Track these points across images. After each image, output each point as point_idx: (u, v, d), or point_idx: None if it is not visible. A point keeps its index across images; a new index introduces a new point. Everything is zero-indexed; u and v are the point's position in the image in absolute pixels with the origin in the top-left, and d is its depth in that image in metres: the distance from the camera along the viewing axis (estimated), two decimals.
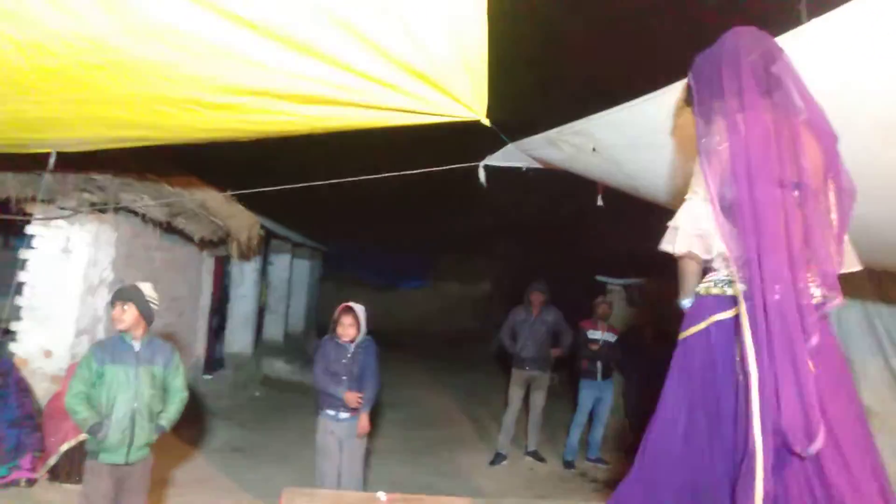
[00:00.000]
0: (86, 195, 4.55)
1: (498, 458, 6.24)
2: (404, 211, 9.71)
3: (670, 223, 2.02)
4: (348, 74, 2.35)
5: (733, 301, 1.89)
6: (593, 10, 2.79)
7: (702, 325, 1.96)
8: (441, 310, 17.35)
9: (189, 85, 2.48)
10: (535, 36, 2.75)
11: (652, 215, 3.61)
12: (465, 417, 8.26)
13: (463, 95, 2.49)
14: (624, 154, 2.94)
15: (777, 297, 1.75)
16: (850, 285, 4.14)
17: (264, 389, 8.98)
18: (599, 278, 8.51)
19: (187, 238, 6.09)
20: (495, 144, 3.45)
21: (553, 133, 3.02)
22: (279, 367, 9.95)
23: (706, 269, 2.05)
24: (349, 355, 4.13)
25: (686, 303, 2.06)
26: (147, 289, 3.33)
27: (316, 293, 14.00)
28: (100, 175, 4.53)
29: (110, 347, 3.27)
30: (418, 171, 3.72)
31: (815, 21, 1.82)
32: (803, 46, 1.91)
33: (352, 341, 4.14)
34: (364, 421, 4.11)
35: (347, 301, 4.25)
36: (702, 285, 2.04)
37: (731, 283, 1.90)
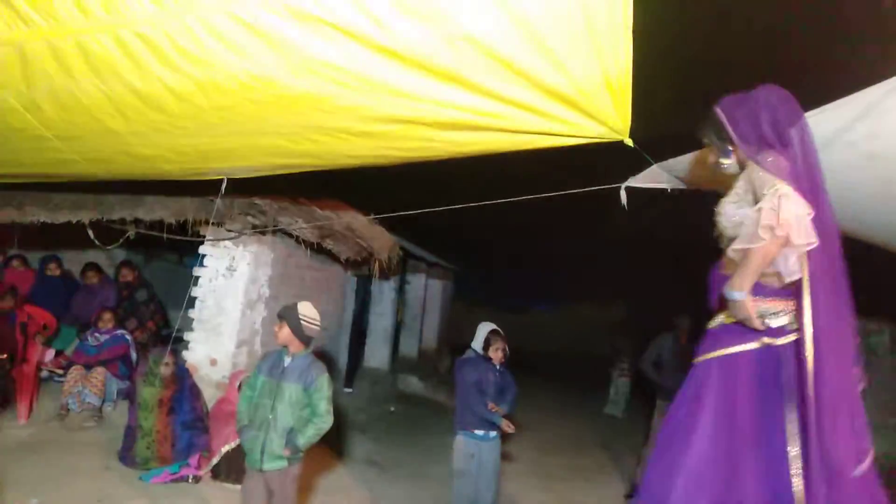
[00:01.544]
0: (249, 218, 5.01)
1: (635, 492, 5.94)
2: (538, 231, 9.66)
3: (768, 202, 1.97)
4: (490, 100, 2.40)
5: (779, 332, 2.04)
6: (743, 23, 2.63)
7: (750, 346, 2.09)
8: (572, 333, 16.96)
9: (343, 116, 2.65)
10: (681, 51, 2.64)
11: None
12: (598, 446, 7.97)
13: (605, 116, 2.45)
14: None
15: (835, 320, 1.96)
16: None
17: (399, 404, 9.27)
18: None
19: (334, 258, 6.48)
20: (635, 164, 3.35)
21: (702, 152, 2.88)
22: (413, 384, 10.23)
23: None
24: (498, 375, 4.21)
25: (742, 295, 2.02)
26: (305, 308, 3.49)
27: (448, 312, 14.26)
28: (261, 200, 4.97)
29: (270, 360, 3.54)
30: (558, 192, 3.70)
31: None
32: None
33: (501, 362, 4.21)
34: (508, 422, 4.11)
35: (482, 322, 4.31)
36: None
37: (777, 314, 2.06)
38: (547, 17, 2.01)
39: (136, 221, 5.09)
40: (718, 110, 2.29)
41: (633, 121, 2.45)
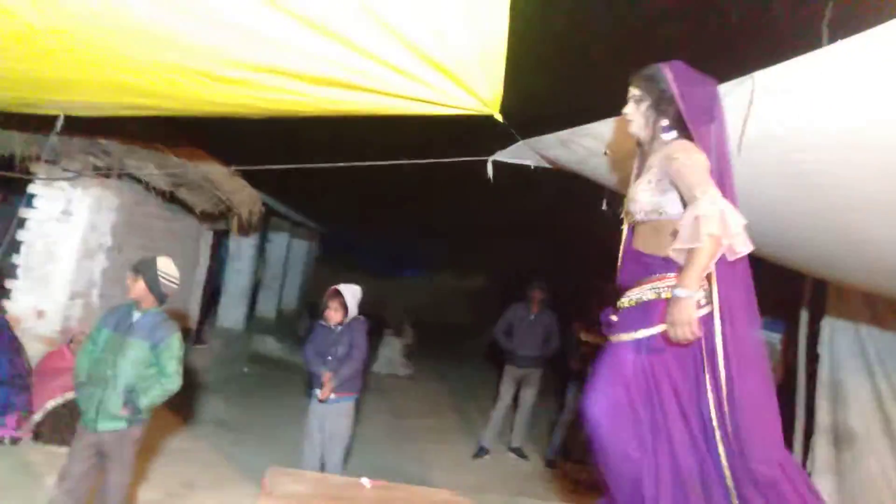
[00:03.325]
0: (91, 159, 4.53)
1: (481, 452, 6.27)
2: (405, 199, 9.68)
3: (705, 209, 1.98)
4: (364, 58, 2.33)
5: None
6: (617, 14, 2.78)
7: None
8: (435, 301, 17.36)
9: (203, 56, 2.46)
10: (557, 35, 2.74)
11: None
12: (452, 409, 8.29)
13: (478, 89, 2.48)
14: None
15: (740, 292, 2.07)
16: (846, 308, 4.20)
17: (253, 366, 9.00)
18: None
19: (188, 210, 6.07)
20: (504, 140, 3.44)
21: (566, 134, 3.01)
22: (270, 345, 9.96)
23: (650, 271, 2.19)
24: (334, 336, 4.14)
25: (688, 293, 1.99)
26: (164, 264, 3.27)
27: (312, 274, 13.98)
28: (106, 140, 4.50)
29: (117, 313, 3.29)
30: (426, 160, 3.71)
31: (836, 44, 1.83)
32: (823, 68, 1.92)
33: (339, 324, 4.15)
34: (326, 389, 4.03)
35: (339, 284, 4.25)
36: (655, 291, 2.15)
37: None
38: None
39: None
40: (669, 78, 2.18)
41: (504, 97, 2.51)
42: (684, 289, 1.98)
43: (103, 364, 3.15)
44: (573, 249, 9.71)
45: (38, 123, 4.10)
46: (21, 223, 4.77)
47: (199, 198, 5.72)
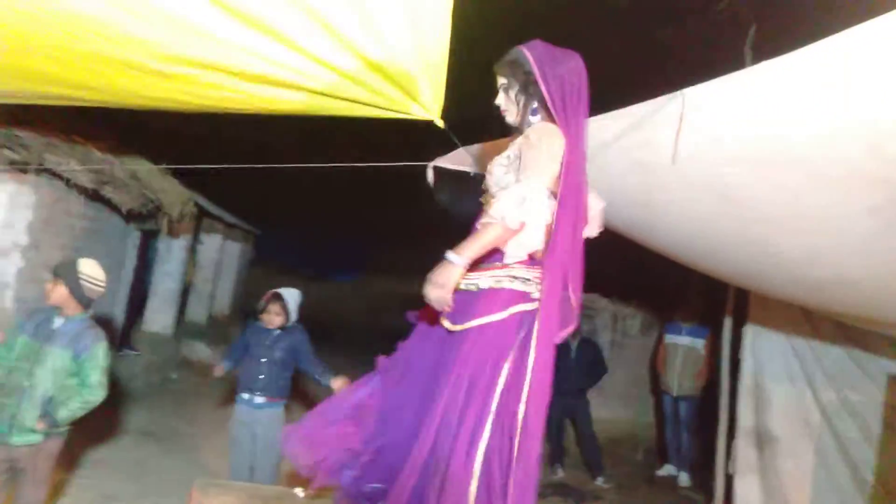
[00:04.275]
0: (6, 152, 4.24)
1: None
2: (341, 200, 9.58)
3: (511, 193, 1.99)
4: (303, 58, 2.29)
5: (527, 297, 2.06)
6: (555, 21, 2.84)
7: (503, 315, 2.04)
8: (371, 304, 17.23)
9: (133, 48, 2.34)
10: (496, 40, 2.77)
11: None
12: None
13: (420, 94, 2.48)
14: None
15: (557, 302, 2.02)
16: (768, 315, 4.43)
17: (182, 372, 8.66)
18: None
19: (114, 208, 5.79)
20: (445, 145, 3.45)
21: (506, 140, 3.04)
22: (200, 350, 9.61)
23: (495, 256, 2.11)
24: (271, 338, 4.03)
25: (460, 260, 1.93)
26: (87, 266, 3.09)
27: (245, 277, 13.63)
28: (23, 132, 4.23)
29: (36, 318, 3.07)
30: (365, 164, 3.68)
31: (759, 65, 1.93)
32: (746, 87, 2.03)
33: (278, 328, 4.05)
34: (339, 382, 3.89)
35: (277, 288, 4.16)
36: (498, 278, 2.08)
37: (529, 281, 2.06)
38: None
39: None
40: (531, 59, 2.10)
41: (446, 102, 2.51)
42: (456, 254, 1.92)
43: (18, 373, 2.94)
44: None
45: None
46: None
47: (126, 196, 5.45)
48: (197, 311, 10.89)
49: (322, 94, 2.54)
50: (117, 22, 2.18)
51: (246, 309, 11.57)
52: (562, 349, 6.50)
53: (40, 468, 3.01)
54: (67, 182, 4.90)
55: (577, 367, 6.54)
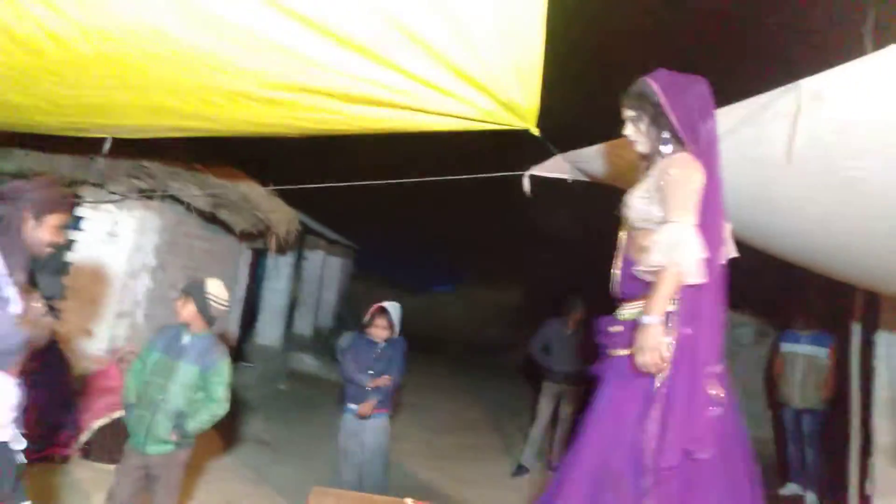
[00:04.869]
0: (135, 181, 4.66)
1: (520, 471, 6.17)
2: (438, 212, 9.72)
3: (661, 239, 2.03)
4: (400, 76, 2.35)
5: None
6: (652, 22, 2.75)
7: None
8: (469, 316, 17.29)
9: (243, 79, 2.51)
10: (593, 45, 2.72)
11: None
12: (489, 427, 8.20)
13: (514, 103, 2.47)
14: None
15: (709, 334, 2.09)
16: None
17: (291, 383, 9.06)
18: None
19: (227, 229, 6.19)
20: (540, 154, 3.42)
21: (607, 146, 2.98)
22: (307, 362, 10.03)
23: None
24: (378, 351, 4.14)
25: (655, 319, 2.01)
26: (214, 287, 3.26)
27: (347, 291, 14.10)
28: (149, 163, 4.63)
29: (167, 335, 3.27)
30: (462, 177, 3.71)
31: (883, 50, 1.78)
32: (870, 73, 1.87)
33: (384, 340, 4.16)
34: (366, 406, 4.05)
35: (380, 301, 4.26)
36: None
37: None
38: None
39: (1, 175, 4.60)
40: (657, 90, 2.15)
41: (540, 110, 2.49)
42: (648, 315, 2.00)
43: (153, 387, 3.15)
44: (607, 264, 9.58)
45: (84, 147, 4.25)
46: (69, 245, 4.92)
47: (239, 217, 5.83)
48: (303, 325, 11.39)
49: (418, 110, 2.59)
50: (229, 55, 2.33)
51: (348, 321, 11.96)
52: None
53: (172, 475, 3.21)
54: (187, 206, 5.30)
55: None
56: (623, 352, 2.16)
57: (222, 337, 3.93)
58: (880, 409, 4.14)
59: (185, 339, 3.23)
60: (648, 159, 2.27)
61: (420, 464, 6.08)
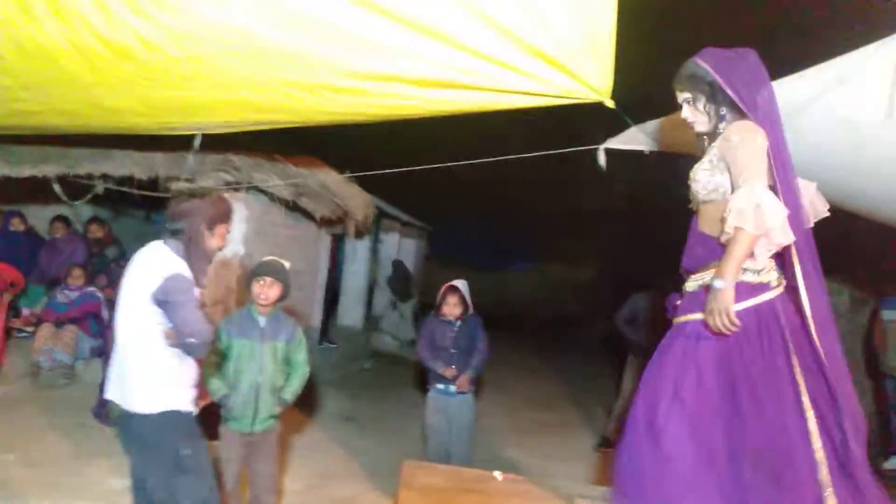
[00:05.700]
0: (222, 175, 4.91)
1: (603, 444, 6.15)
2: (511, 190, 9.68)
3: (736, 205, 2.04)
4: (471, 57, 2.36)
5: (762, 288, 2.13)
6: None
7: (746, 305, 2.09)
8: (545, 292, 17.19)
9: (322, 71, 2.60)
10: (665, 11, 2.64)
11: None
12: (570, 402, 8.19)
13: (587, 76, 2.43)
14: None
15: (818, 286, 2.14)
16: None
17: (373, 362, 9.35)
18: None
19: (308, 216, 6.42)
20: (616, 126, 3.35)
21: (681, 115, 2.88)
22: (387, 342, 10.31)
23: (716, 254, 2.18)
24: (455, 330, 4.21)
25: (727, 283, 2.03)
26: (287, 265, 3.43)
27: (422, 272, 14.31)
28: (235, 156, 4.86)
29: (238, 321, 3.39)
30: (534, 153, 3.69)
31: None
32: None
33: (458, 319, 4.22)
34: (464, 379, 4.14)
35: (452, 280, 4.32)
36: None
37: (761, 272, 2.14)
38: None
39: (104, 176, 4.95)
40: (710, 69, 2.18)
41: (619, 82, 2.45)
42: (720, 279, 2.03)
43: (248, 373, 3.29)
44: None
45: (175, 145, 4.51)
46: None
47: (319, 204, 6.04)
48: (381, 305, 11.67)
49: (491, 89, 2.59)
50: (307, 49, 2.42)
51: (425, 302, 12.17)
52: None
53: (274, 448, 3.44)
54: (271, 196, 5.53)
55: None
56: (686, 318, 2.23)
57: (302, 316, 4.10)
58: None
59: (261, 320, 3.35)
60: (710, 136, 2.30)
61: (504, 439, 6.16)
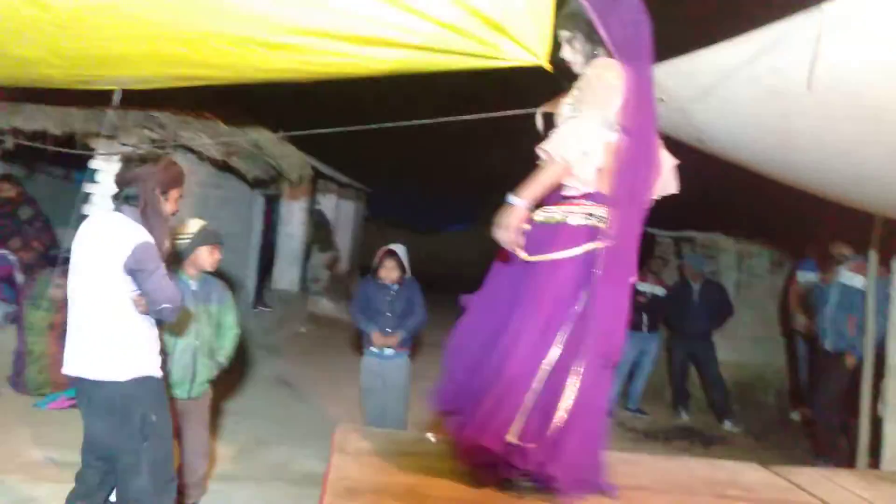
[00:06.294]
0: (146, 132, 4.64)
1: None
2: (449, 153, 9.66)
3: (563, 129, 2.07)
4: (408, 15, 2.30)
5: (595, 233, 2.10)
6: None
7: (577, 252, 2.09)
8: (483, 253, 17.30)
9: (250, 24, 2.47)
10: None
11: (709, 169, 3.50)
12: None
13: (526, 39, 2.41)
14: (692, 104, 2.82)
15: (627, 241, 2.10)
16: None
17: (310, 326, 9.26)
18: (649, 230, 8.36)
19: (240, 177, 6.19)
20: (556, 90, 3.35)
21: None
22: (324, 305, 10.21)
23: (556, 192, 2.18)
24: (392, 294, 4.19)
25: (520, 201, 2.04)
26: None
27: (360, 234, 14.18)
28: (160, 113, 4.60)
29: None
30: (473, 116, 3.66)
31: None
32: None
33: (396, 283, 4.20)
34: (391, 339, 4.13)
35: (389, 244, 4.28)
36: (574, 215, 2.14)
37: (603, 219, 2.11)
38: None
39: (15, 131, 4.60)
40: (588, 7, 2.15)
41: (554, 46, 2.43)
42: (515, 196, 2.03)
43: (185, 337, 3.24)
44: None
45: (95, 100, 4.22)
46: (85, 197, 4.96)
47: (251, 165, 5.82)
48: (318, 268, 11.51)
49: (429, 49, 2.54)
50: (237, 1, 2.28)
51: (363, 264, 12.08)
52: (683, 291, 6.36)
53: (205, 411, 3.41)
54: (199, 155, 5.29)
55: (700, 310, 6.30)
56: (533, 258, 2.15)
57: (238, 282, 3.99)
58: (894, 332, 4.17)
59: (193, 284, 3.30)
60: None
61: None
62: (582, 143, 2.03)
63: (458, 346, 2.38)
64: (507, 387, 2.05)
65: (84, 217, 4.95)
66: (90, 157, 4.95)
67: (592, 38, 2.18)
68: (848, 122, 2.42)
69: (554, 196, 2.21)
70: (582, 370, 2.05)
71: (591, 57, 2.21)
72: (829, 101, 2.30)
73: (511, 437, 2.00)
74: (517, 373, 2.06)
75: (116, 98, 3.57)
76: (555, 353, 2.06)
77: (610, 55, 2.15)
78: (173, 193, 2.58)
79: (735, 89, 2.54)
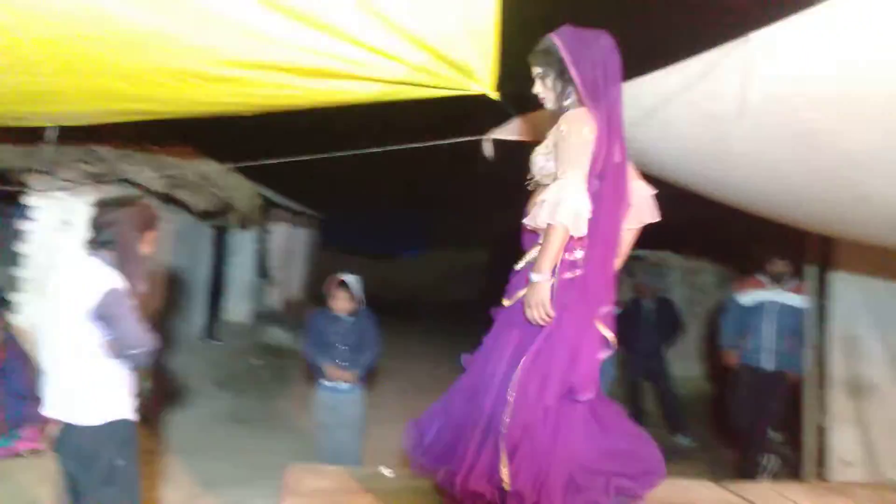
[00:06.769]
0: (85, 167, 4.49)
1: None
2: (400, 179, 9.65)
3: (548, 198, 2.11)
4: (351, 46, 2.29)
5: (564, 267, 2.15)
6: None
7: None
8: (437, 278, 17.36)
9: (191, 57, 2.42)
10: (549, 6, 2.69)
11: (658, 188, 3.59)
12: None
13: (470, 68, 2.44)
14: (635, 129, 2.90)
15: (595, 274, 2.15)
16: (856, 263, 4.19)
17: (263, 357, 9.02)
18: None
19: (187, 209, 6.04)
20: (503, 117, 3.41)
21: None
22: (279, 335, 9.97)
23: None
24: (346, 326, 4.10)
25: (543, 276, 2.07)
26: None
27: (314, 262, 13.97)
28: (100, 147, 4.45)
29: None
30: (421, 144, 3.68)
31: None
32: (828, 21, 1.90)
33: (349, 314, 4.12)
34: (349, 376, 4.05)
35: (340, 273, 4.18)
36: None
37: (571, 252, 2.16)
38: None
39: None
40: (561, 47, 2.19)
41: (504, 73, 2.46)
42: (536, 272, 2.07)
43: None
44: None
45: (32, 136, 4.06)
46: (21, 235, 4.74)
47: (198, 197, 5.68)
48: (272, 299, 11.27)
49: (373, 79, 2.53)
50: (177, 33, 2.24)
51: (317, 293, 11.90)
52: (636, 309, 6.46)
53: None
54: (143, 189, 5.13)
55: (653, 327, 6.42)
56: (509, 301, 2.26)
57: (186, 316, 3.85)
58: (835, 344, 4.33)
59: None
60: (555, 115, 2.31)
61: (396, 429, 6.12)
62: (574, 205, 2.06)
63: (448, 403, 2.45)
64: (486, 424, 2.10)
65: (18, 255, 4.79)
66: (24, 193, 4.75)
67: (564, 76, 2.22)
68: (780, 145, 2.52)
69: (529, 242, 2.29)
70: (549, 403, 2.07)
71: (562, 96, 2.26)
72: (762, 125, 2.40)
73: (504, 477, 2.02)
74: (493, 409, 2.10)
75: (52, 135, 3.44)
76: (518, 377, 2.10)
77: (579, 95, 2.20)
78: (149, 235, 2.63)
79: (675, 113, 2.63)
